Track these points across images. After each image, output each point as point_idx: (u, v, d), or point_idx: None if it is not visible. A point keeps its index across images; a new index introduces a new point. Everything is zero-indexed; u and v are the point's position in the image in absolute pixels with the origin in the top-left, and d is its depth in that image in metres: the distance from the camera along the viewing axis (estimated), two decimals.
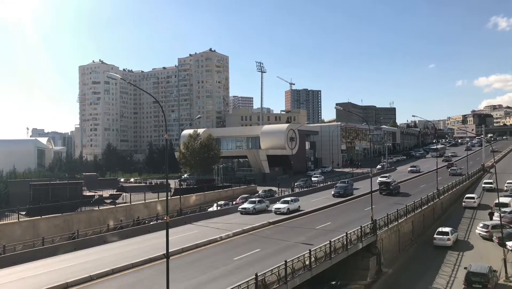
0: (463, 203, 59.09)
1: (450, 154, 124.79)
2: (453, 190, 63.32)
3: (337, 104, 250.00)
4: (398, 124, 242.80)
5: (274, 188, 72.47)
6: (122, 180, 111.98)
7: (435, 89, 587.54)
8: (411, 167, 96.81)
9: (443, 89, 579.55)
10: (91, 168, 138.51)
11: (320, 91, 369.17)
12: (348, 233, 32.64)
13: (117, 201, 57.07)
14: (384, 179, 70.54)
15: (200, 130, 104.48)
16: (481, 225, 46.33)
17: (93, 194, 61.58)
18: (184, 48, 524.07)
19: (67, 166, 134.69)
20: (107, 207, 53.86)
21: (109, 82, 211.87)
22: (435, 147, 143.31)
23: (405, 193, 61.17)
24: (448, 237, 42.91)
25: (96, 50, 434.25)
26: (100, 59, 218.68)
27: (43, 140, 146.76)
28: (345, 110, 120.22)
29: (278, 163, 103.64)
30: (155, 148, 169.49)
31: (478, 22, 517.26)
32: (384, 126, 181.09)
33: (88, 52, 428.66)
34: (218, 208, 55.80)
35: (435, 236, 43.52)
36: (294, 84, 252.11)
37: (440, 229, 44.17)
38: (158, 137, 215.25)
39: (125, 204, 55.32)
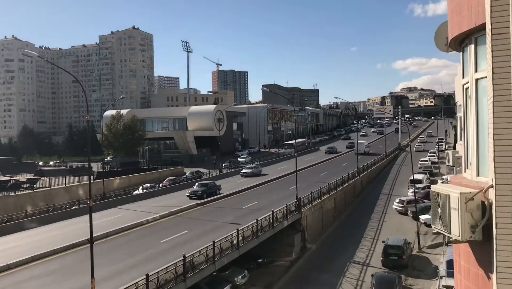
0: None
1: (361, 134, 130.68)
2: (372, 168, 66.70)
3: (263, 86, 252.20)
4: (321, 105, 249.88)
5: (202, 170, 72.31)
6: (40, 163, 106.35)
7: (357, 72, 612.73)
8: (328, 148, 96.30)
9: (364, 72, 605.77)
10: (5, 151, 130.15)
11: (247, 72, 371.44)
12: (274, 211, 33.48)
13: (35, 186, 54.35)
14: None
15: (124, 111, 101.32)
16: (397, 200, 49.38)
17: (8, 178, 58.11)
18: (106, 26, 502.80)
19: None
20: (24, 192, 51.04)
21: (24, 60, 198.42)
22: (355, 127, 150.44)
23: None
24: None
25: (9, 26, 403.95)
26: (13, 35, 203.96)
27: None
28: (271, 92, 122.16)
29: (206, 144, 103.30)
30: (75, 129, 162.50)
31: (397, 8, 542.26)
32: (308, 107, 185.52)
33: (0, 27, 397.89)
34: (144, 190, 54.81)
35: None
36: (221, 65, 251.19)
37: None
38: (78, 118, 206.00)
39: (44, 189, 52.65)
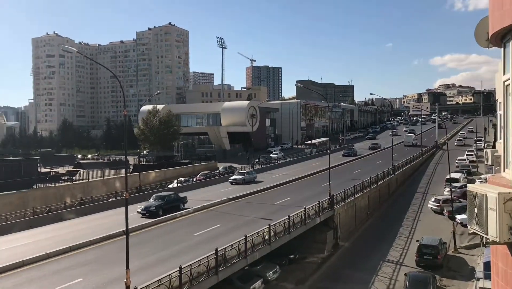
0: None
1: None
2: (408, 166, 65.47)
3: (297, 81, 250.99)
4: (356, 102, 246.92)
5: (235, 165, 72.75)
6: (79, 156, 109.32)
7: (393, 68, 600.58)
8: (347, 149, 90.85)
9: (400, 68, 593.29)
10: (46, 144, 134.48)
11: (280, 68, 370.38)
12: (306, 208, 33.35)
13: (74, 178, 55.95)
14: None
15: (160, 107, 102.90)
16: (433, 199, 48.32)
17: (49, 170, 59.99)
18: (143, 22, 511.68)
19: (21, 142, 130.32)
20: (64, 184, 52.69)
21: (64, 55, 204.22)
22: (391, 124, 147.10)
23: None
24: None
25: (50, 23, 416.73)
26: (54, 32, 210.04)
27: None
28: (305, 87, 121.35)
29: (239, 140, 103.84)
30: (113, 123, 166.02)
31: (436, 2, 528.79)
32: (342, 104, 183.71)
33: (42, 24, 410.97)
34: (178, 184, 55.62)
35: None
36: (255, 61, 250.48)
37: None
38: (116, 113, 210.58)
39: (83, 181, 54.27)
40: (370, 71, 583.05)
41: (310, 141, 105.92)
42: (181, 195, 41.62)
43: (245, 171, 58.97)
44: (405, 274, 28.93)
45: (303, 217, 32.62)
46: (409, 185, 61.64)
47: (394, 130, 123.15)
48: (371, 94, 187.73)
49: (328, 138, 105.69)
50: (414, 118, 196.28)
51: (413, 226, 43.14)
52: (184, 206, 39.47)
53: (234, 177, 55.70)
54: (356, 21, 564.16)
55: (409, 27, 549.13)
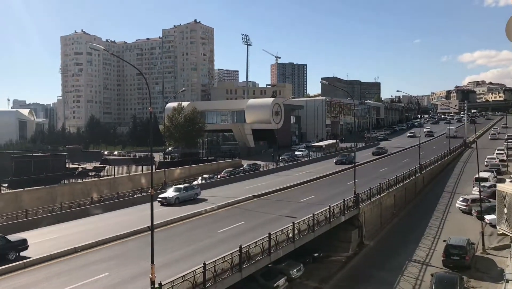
0: None
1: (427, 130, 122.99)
2: (435, 165, 64.30)
3: (322, 78, 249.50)
4: (382, 99, 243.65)
5: (259, 162, 72.76)
6: (105, 152, 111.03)
7: (420, 65, 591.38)
8: (377, 148, 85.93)
9: (428, 65, 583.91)
10: (74, 140, 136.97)
11: (306, 65, 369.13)
12: (331, 206, 33.10)
13: (100, 174, 56.79)
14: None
15: (185, 104, 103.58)
16: (461, 199, 47.33)
17: (76, 166, 61.08)
18: (169, 19, 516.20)
19: (50, 138, 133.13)
20: (90, 179, 53.62)
21: (92, 53, 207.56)
22: (418, 122, 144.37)
23: None
24: None
25: (79, 21, 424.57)
26: (82, 30, 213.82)
27: (25, 112, 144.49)
28: (331, 84, 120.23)
29: (263, 137, 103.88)
30: (139, 120, 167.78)
31: None
32: (368, 101, 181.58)
33: (70, 22, 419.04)
34: (203, 181, 55.92)
35: None
36: (280, 58, 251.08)
37: None
38: (142, 110, 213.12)
39: (109, 177, 55.10)
40: (397, 68, 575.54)
41: (316, 144, 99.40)
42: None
43: (181, 186, 43.73)
44: (432, 275, 28.47)
45: (328, 215, 32.39)
46: (436, 184, 60.49)
47: (412, 132, 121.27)
48: (398, 91, 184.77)
49: (337, 141, 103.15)
50: (442, 116, 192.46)
51: (440, 226, 42.36)
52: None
53: (165, 195, 41.41)
54: (384, 18, 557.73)
55: (438, 23, 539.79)
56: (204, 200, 42.43)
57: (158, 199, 40.45)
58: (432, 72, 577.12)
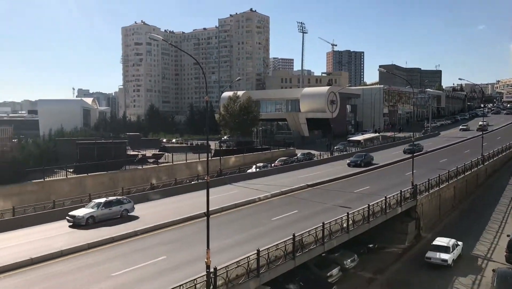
0: None
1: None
2: (499, 156, 61.28)
3: (380, 66, 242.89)
4: (443, 87, 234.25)
5: (313, 151, 72.31)
6: (164, 140, 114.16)
7: (485, 52, 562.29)
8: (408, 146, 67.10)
9: (493, 52, 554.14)
10: (134, 128, 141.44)
11: (363, 52, 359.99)
12: (387, 197, 32.48)
13: (159, 161, 58.62)
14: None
15: (240, 93, 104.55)
16: None
17: (136, 153, 63.17)
18: (225, 9, 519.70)
19: (111, 126, 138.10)
20: (150, 166, 55.57)
21: (151, 43, 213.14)
22: (481, 111, 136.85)
23: None
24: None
25: (139, 12, 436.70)
26: (142, 20, 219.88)
27: (88, 100, 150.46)
28: (389, 72, 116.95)
29: (318, 126, 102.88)
30: (195, 109, 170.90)
31: None
32: (428, 89, 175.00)
33: (131, 13, 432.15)
34: (257, 169, 56.39)
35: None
36: (336, 45, 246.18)
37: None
38: (199, 99, 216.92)
39: (167, 164, 56.88)
40: (459, 55, 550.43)
41: (353, 138, 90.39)
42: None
43: (102, 200, 31.85)
44: (493, 270, 27.42)
45: (383, 206, 31.82)
46: (499, 177, 57.74)
47: (465, 124, 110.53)
48: (460, 79, 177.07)
49: (378, 134, 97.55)
50: (508, 104, 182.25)
51: (504, 220, 40.57)
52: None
53: (74, 213, 30.24)
54: (446, 3, 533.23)
55: (504, 7, 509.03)
56: (136, 217, 31.58)
57: (67, 218, 29.98)
58: (498, 59, 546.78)
